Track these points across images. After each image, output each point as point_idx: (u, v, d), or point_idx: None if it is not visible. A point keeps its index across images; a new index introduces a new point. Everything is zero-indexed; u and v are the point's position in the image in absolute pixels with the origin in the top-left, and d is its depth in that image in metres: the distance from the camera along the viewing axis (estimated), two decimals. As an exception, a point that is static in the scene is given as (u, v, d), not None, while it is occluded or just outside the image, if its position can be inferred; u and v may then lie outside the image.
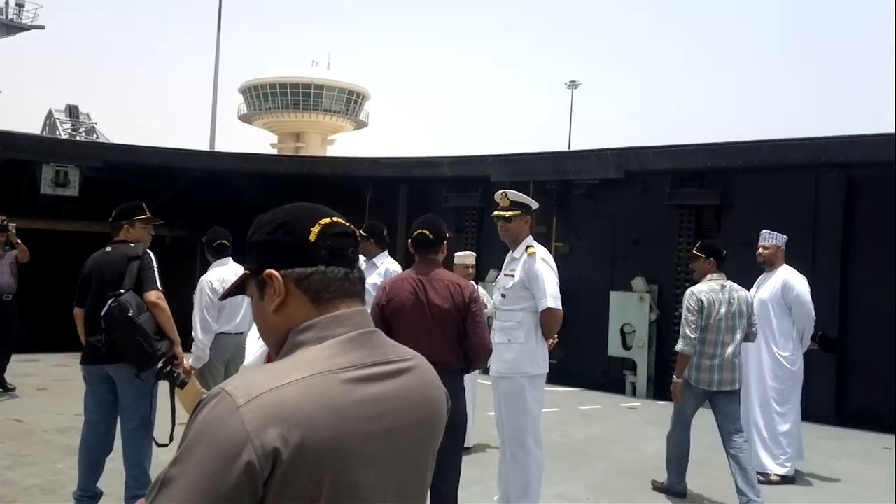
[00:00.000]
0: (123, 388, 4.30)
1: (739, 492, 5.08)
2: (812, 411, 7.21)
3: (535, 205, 4.65)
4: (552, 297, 4.36)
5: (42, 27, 36.90)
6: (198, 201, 12.16)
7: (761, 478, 5.95)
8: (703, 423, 8.37)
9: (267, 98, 53.72)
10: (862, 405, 8.74)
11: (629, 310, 10.33)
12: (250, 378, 1.14)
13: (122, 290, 4.18)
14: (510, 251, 4.65)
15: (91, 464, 4.36)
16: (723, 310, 5.27)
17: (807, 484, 6.03)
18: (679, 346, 5.31)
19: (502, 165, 11.62)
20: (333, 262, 1.27)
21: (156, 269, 4.34)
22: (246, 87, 54.91)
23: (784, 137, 9.83)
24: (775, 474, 5.96)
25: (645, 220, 10.58)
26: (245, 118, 56.80)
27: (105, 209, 4.78)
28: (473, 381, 5.10)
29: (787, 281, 6.07)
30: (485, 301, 5.33)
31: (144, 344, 4.12)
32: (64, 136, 28.22)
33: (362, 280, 1.33)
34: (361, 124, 57.61)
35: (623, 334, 10.41)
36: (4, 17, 35.75)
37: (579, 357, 10.49)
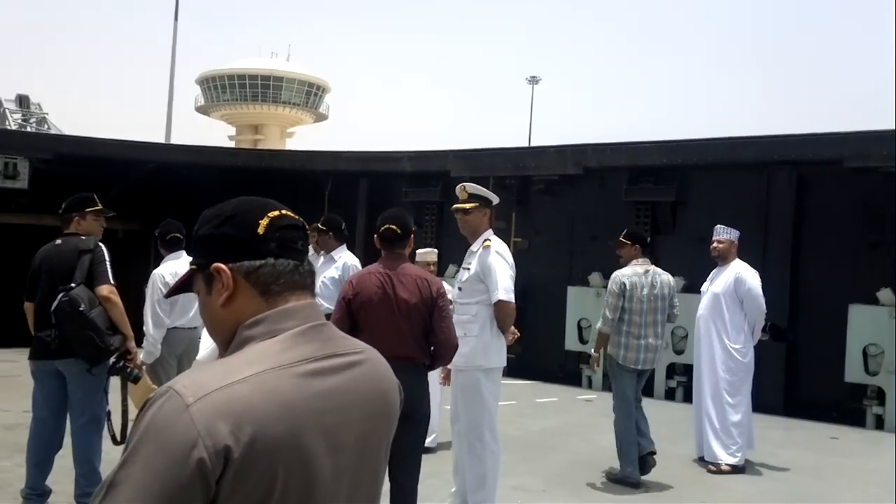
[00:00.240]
0: (74, 384, 4.21)
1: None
2: (762, 402, 7.40)
3: (494, 199, 4.68)
4: (504, 289, 4.38)
5: (-10, 14, 35.78)
6: (152, 195, 11.94)
7: (712, 467, 6.12)
8: (661, 414, 8.54)
9: (225, 89, 52.93)
10: (810, 396, 9.00)
11: (586, 304, 10.45)
12: (199, 376, 1.13)
13: (72, 284, 4.10)
14: (470, 245, 4.68)
15: (40, 461, 4.27)
16: (645, 292, 5.63)
17: (756, 473, 6.18)
18: (598, 325, 5.80)
19: (462, 160, 11.65)
20: (283, 254, 1.26)
21: (108, 263, 4.26)
22: (203, 77, 54.02)
23: (737, 136, 10.04)
24: (726, 464, 6.10)
25: (602, 216, 10.71)
26: (202, 110, 55.90)
27: (56, 202, 4.67)
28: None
29: (740, 275, 6.22)
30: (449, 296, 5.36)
31: (96, 339, 4.04)
32: (13, 127, 27.41)
33: (312, 273, 1.32)
34: (321, 117, 57.16)
35: (580, 328, 10.54)
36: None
37: (536, 351, 10.59)
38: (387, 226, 4.01)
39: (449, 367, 4.60)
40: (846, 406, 8.70)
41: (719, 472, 6.06)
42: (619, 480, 5.64)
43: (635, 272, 5.69)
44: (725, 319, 6.24)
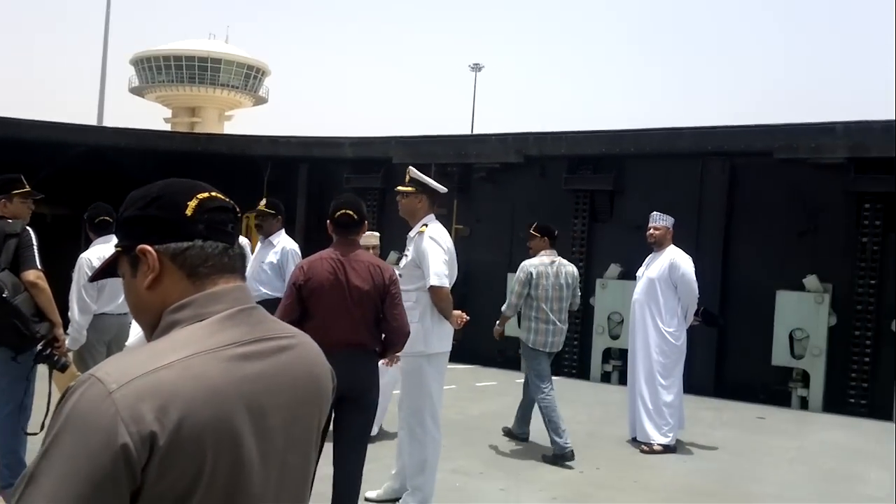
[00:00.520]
0: (-2, 372, 4.07)
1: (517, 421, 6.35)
2: (693, 384, 7.65)
3: (437, 188, 4.67)
4: (436, 275, 4.40)
5: None
6: (83, 178, 11.54)
7: (645, 447, 6.30)
8: (596, 397, 8.74)
9: (160, 70, 51.43)
10: (739, 378, 9.34)
11: (526, 290, 10.57)
12: (122, 362, 1.11)
13: (-4, 269, 3.95)
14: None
15: (-36, 452, 4.12)
16: (550, 281, 6.10)
17: (687, 452, 6.39)
18: (503, 308, 6.33)
19: (405, 147, 11.61)
20: (211, 236, 1.25)
21: (35, 248, 4.12)
22: (138, 58, 52.36)
23: (673, 126, 10.29)
24: (658, 444, 6.29)
25: (543, 204, 10.83)
26: (137, 91, 54.22)
27: (-21, 186, 4.48)
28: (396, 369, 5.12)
29: (674, 261, 6.40)
30: None
31: (21, 326, 3.91)
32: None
33: (243, 256, 1.30)
34: (261, 100, 56.12)
35: (519, 315, 10.64)
36: None
37: (477, 336, 10.64)
38: (343, 211, 3.97)
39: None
40: (773, 388, 9.06)
41: (652, 451, 6.25)
42: (556, 457, 5.78)
43: (542, 262, 6.15)
44: (660, 304, 6.42)
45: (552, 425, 5.85)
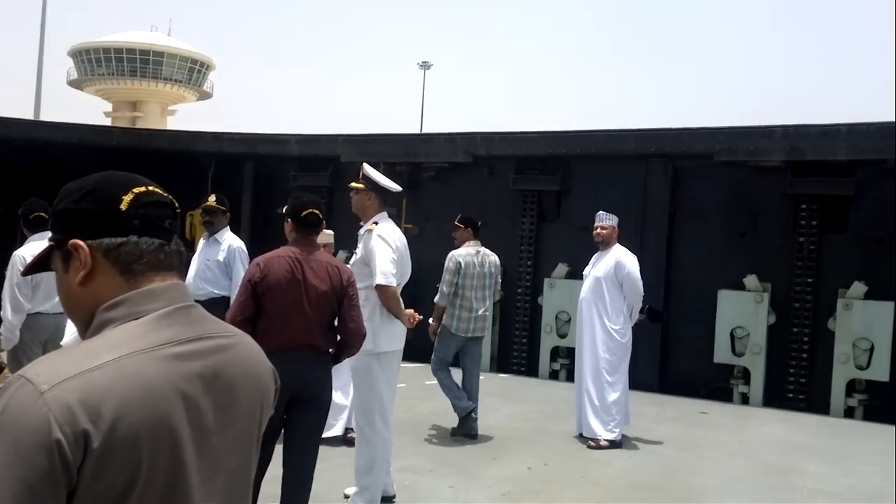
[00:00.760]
0: (-72, 374, 3.89)
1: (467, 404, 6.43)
2: (638, 380, 7.79)
3: (388, 186, 4.63)
4: (383, 273, 4.38)
5: None
6: (19, 174, 11.12)
7: (592, 443, 6.40)
8: (544, 394, 8.82)
9: (100, 63, 49.99)
10: (682, 375, 9.55)
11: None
12: (54, 362, 1.08)
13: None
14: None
15: None
16: (476, 270, 6.44)
17: (633, 447, 6.51)
18: (436, 300, 6.47)
19: (352, 146, 11.53)
20: (147, 232, 1.22)
21: (-32, 244, 3.95)
22: (77, 50, 50.81)
23: (618, 128, 10.46)
24: (605, 439, 6.39)
25: (491, 204, 10.89)
26: (75, 84, 52.63)
27: None
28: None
29: (620, 259, 6.51)
30: None
31: (-47, 325, 3.75)
32: None
33: (181, 253, 1.27)
34: (205, 95, 55.06)
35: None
36: None
37: (427, 335, 10.68)
38: (311, 210, 3.94)
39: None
40: (715, 385, 9.29)
41: (598, 447, 6.35)
42: (463, 434, 6.26)
43: (468, 252, 6.48)
44: (606, 302, 6.53)
45: (453, 394, 6.36)
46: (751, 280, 9.13)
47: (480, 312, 6.48)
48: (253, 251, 5.44)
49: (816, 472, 6.05)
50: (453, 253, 6.50)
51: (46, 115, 25.84)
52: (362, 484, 4.48)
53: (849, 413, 8.54)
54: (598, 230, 6.65)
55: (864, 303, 8.56)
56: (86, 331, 1.20)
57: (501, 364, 10.52)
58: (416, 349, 10.47)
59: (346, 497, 4.63)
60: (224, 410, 1.19)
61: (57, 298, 4.51)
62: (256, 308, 3.76)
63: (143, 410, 1.06)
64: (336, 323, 3.92)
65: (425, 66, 48.43)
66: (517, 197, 10.65)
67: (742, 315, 9.11)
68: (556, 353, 10.12)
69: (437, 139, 11.48)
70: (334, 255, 8.71)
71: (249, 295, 3.77)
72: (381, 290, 4.40)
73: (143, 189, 1.23)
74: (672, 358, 9.73)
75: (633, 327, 6.65)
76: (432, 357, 6.61)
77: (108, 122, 46.74)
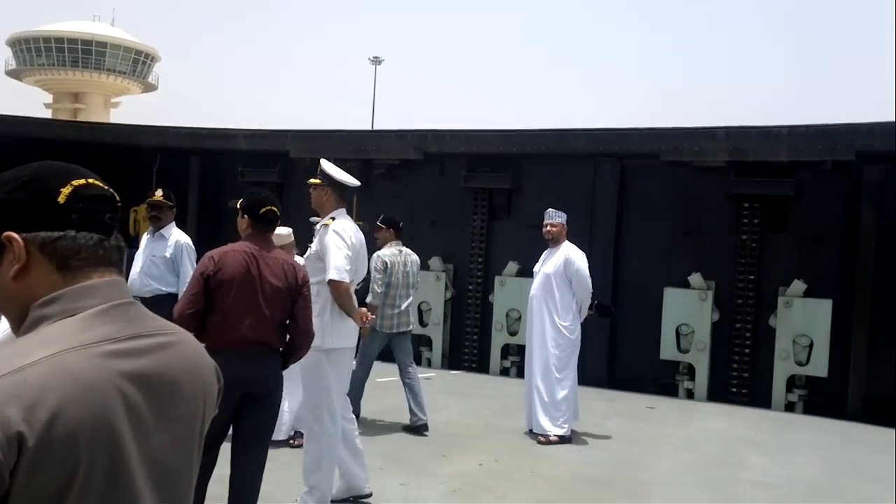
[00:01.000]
0: None
1: (411, 412, 6.56)
2: (587, 376, 7.90)
3: (346, 181, 4.61)
4: (335, 269, 4.33)
5: None
6: (-49, 165, 10.72)
7: (542, 438, 6.46)
8: (495, 390, 8.87)
9: (40, 53, 48.41)
10: (630, 371, 9.72)
11: (427, 288, 10.62)
12: None
13: None
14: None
15: None
16: (400, 269, 6.65)
17: (582, 442, 6.60)
18: (368, 299, 6.48)
19: (302, 141, 11.41)
20: (86, 227, 1.17)
21: None
22: (15, 39, 49.11)
23: (568, 128, 10.58)
24: (554, 435, 6.45)
25: (442, 202, 10.92)
26: (13, 74, 50.89)
27: None
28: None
29: (569, 256, 6.58)
30: None
31: None
32: None
33: (121, 248, 1.23)
34: (150, 87, 53.81)
35: (420, 311, 10.71)
36: None
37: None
38: (269, 207, 3.87)
39: None
40: (661, 381, 9.48)
41: (548, 442, 6.41)
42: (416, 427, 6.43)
43: (392, 252, 6.68)
44: (556, 298, 6.59)
45: (353, 394, 6.18)
46: (695, 278, 9.34)
47: (403, 308, 6.69)
48: (200, 248, 5.34)
49: (758, 465, 6.22)
50: (379, 253, 6.65)
51: (-19, 106, 24.89)
52: (310, 482, 4.42)
53: (789, 407, 8.82)
54: (548, 228, 6.72)
55: (803, 300, 8.84)
56: (19, 327, 1.16)
57: (453, 361, 10.54)
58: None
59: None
60: (165, 409, 1.16)
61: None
62: (207, 303, 3.68)
63: (80, 408, 1.03)
64: (287, 322, 3.87)
65: (376, 61, 48.09)
66: (468, 195, 10.68)
67: (687, 312, 9.31)
68: (506, 350, 10.19)
69: (388, 136, 11.43)
70: (301, 254, 8.60)
71: (201, 288, 3.68)
72: (333, 285, 4.36)
73: (82, 181, 1.19)
74: (620, 354, 9.90)
75: (582, 323, 6.73)
76: (357, 358, 6.45)
77: (48, 114, 45.32)
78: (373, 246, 10.23)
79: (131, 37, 51.15)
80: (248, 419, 3.74)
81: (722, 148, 9.32)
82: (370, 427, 6.61)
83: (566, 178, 10.14)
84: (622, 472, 5.81)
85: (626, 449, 6.52)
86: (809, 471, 6.13)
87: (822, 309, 8.76)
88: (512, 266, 10.19)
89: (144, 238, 6.32)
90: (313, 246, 4.53)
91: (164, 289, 5.95)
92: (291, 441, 5.81)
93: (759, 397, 8.99)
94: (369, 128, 24.60)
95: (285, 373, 3.96)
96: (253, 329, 3.68)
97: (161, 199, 6.18)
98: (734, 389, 9.20)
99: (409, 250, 6.85)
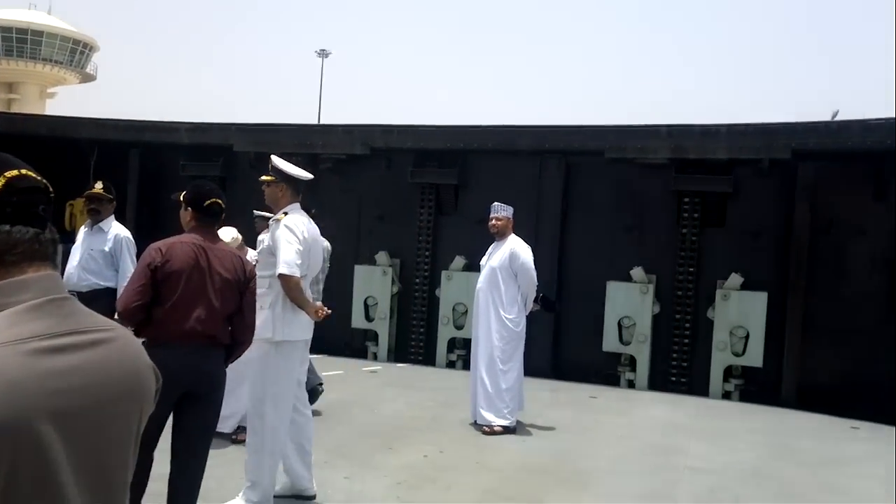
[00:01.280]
0: None
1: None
2: (532, 367, 8.00)
3: (298, 175, 4.58)
4: (285, 263, 4.33)
5: None
6: None
7: (486, 429, 6.53)
8: (441, 382, 8.91)
9: (-29, 41, 46.54)
10: (574, 362, 9.89)
11: (373, 283, 10.63)
12: None
13: None
14: None
15: None
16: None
17: (526, 433, 6.69)
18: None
19: (246, 135, 11.26)
20: (20, 220, 1.15)
21: None
22: (-57, 27, 47.08)
23: (514, 124, 10.69)
24: (499, 425, 6.53)
25: (389, 197, 10.92)
26: (-59, 63, 48.75)
27: None
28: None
29: (514, 250, 6.66)
30: None
31: None
32: None
33: (56, 242, 1.21)
34: (89, 77, 52.17)
35: (367, 306, 10.70)
36: None
37: (324, 327, 10.56)
38: (214, 200, 3.83)
39: None
40: (604, 371, 9.66)
41: (493, 433, 6.48)
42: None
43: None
44: (501, 292, 6.66)
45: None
46: (637, 272, 9.55)
47: (314, 296, 6.70)
48: (140, 243, 5.25)
49: (697, 451, 6.41)
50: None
51: None
52: (252, 478, 4.38)
53: (726, 396, 9.09)
54: (494, 221, 6.78)
55: (739, 293, 9.12)
56: None
57: (399, 355, 10.56)
58: (315, 340, 10.37)
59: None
60: (100, 409, 1.14)
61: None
62: (154, 295, 3.62)
63: (5, 408, 1.00)
64: (232, 316, 3.83)
65: (323, 54, 47.59)
66: (415, 190, 10.70)
67: (629, 305, 9.51)
68: (453, 343, 10.25)
69: (334, 131, 11.36)
70: (252, 247, 8.57)
71: (149, 280, 3.59)
72: (283, 279, 4.35)
73: (15, 173, 1.17)
74: (564, 346, 10.06)
75: (527, 316, 6.82)
76: None
77: (-21, 105, 43.63)
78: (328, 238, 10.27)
79: (69, 25, 49.55)
80: (190, 416, 3.68)
81: (664, 145, 9.54)
82: (315, 421, 6.55)
83: (513, 174, 10.24)
84: (565, 461, 5.92)
85: (569, 438, 6.64)
86: (745, 456, 6.34)
87: (758, 301, 9.05)
88: (459, 261, 10.25)
89: (82, 231, 6.16)
90: (266, 240, 4.52)
91: (102, 283, 5.81)
92: (234, 437, 5.75)
93: (697, 386, 9.25)
94: (316, 122, 24.37)
95: (234, 366, 3.92)
96: (201, 322, 3.63)
97: (101, 191, 6.04)
98: (674, 379, 9.45)
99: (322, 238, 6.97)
